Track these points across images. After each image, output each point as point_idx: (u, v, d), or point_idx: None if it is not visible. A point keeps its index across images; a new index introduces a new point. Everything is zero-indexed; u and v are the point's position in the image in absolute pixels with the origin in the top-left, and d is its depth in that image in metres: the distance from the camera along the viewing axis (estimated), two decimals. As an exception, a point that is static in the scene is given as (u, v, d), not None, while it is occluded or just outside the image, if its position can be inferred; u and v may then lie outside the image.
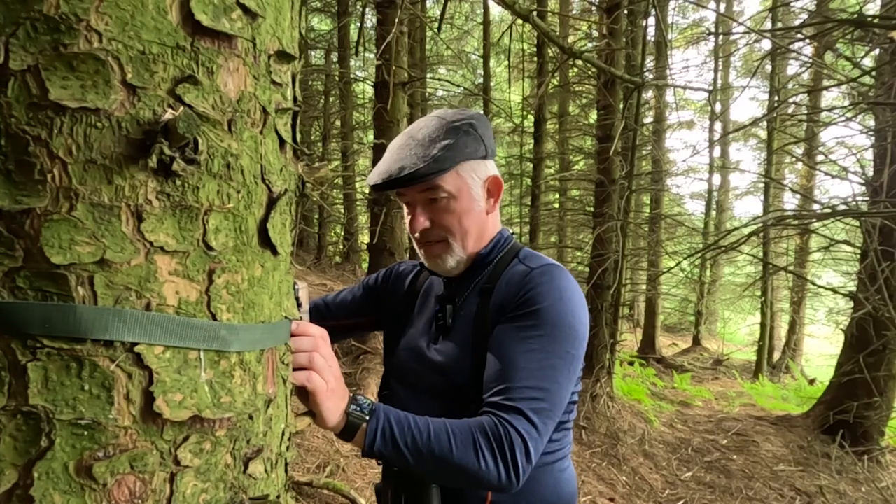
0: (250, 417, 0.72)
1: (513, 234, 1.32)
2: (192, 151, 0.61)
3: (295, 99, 0.78)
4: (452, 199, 1.18)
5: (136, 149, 0.59)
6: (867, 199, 5.79)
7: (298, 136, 0.81)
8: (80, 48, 0.56)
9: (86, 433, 0.58)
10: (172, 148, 0.60)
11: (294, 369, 0.91)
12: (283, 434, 0.81)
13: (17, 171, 0.56)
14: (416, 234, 1.22)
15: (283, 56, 0.73)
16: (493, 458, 0.96)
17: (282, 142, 0.76)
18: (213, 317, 0.66)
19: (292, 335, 0.87)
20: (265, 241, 0.73)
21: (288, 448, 0.83)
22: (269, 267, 0.74)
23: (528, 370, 1.03)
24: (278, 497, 0.78)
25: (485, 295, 1.18)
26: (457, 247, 1.21)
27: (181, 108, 0.61)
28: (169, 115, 0.59)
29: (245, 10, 0.66)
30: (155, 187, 0.61)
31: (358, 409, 0.99)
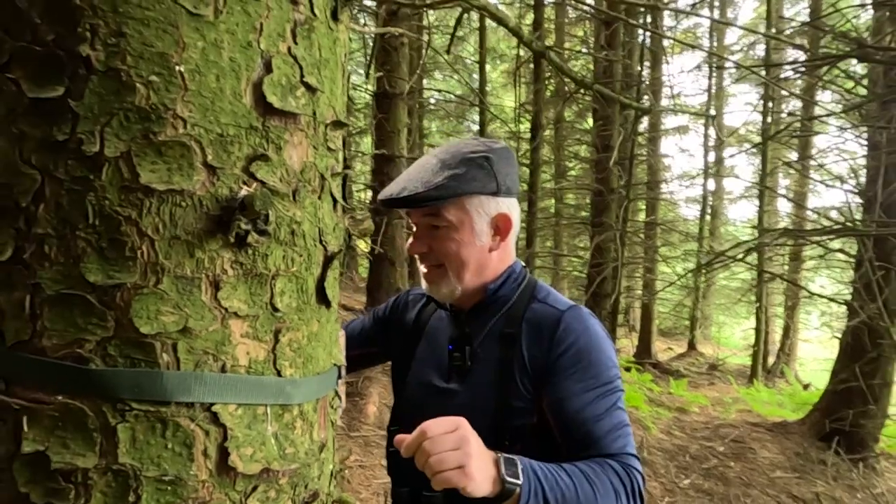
0: (308, 465, 0.76)
1: (524, 267, 1.32)
2: (264, 223, 0.66)
3: (345, 160, 0.83)
4: (453, 230, 1.18)
5: (215, 224, 0.64)
6: (861, 206, 5.87)
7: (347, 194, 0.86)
8: (167, 135, 0.61)
9: (169, 488, 0.63)
10: (246, 221, 0.65)
11: (444, 470, 0.88)
12: (331, 475, 0.86)
13: (110, 248, 0.61)
14: (415, 257, 1.26)
15: (337, 124, 0.78)
16: (626, 501, 1.06)
17: (334, 202, 0.80)
18: (279, 373, 0.71)
19: (426, 433, 0.90)
20: (322, 298, 0.78)
21: (335, 487, 0.88)
22: (324, 321, 0.79)
23: (606, 419, 1.12)
24: (330, 535, 0.83)
25: (507, 340, 1.19)
26: (451, 276, 1.21)
27: (255, 185, 0.66)
28: (244, 191, 0.64)
29: (307, 87, 0.71)
30: (230, 258, 0.66)
31: (511, 473, 0.96)
